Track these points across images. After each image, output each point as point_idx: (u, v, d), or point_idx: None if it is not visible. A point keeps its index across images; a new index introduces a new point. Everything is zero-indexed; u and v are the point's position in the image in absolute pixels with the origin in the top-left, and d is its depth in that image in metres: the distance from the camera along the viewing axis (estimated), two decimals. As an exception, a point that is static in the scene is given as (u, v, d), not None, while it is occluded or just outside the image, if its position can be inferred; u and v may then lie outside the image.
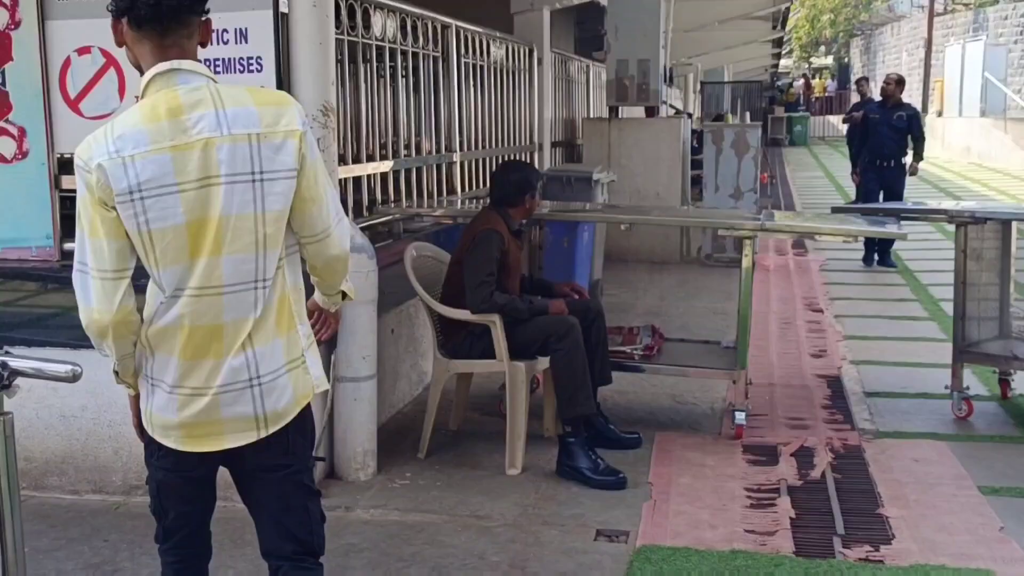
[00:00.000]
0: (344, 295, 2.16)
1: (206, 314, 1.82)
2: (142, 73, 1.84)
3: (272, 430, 1.89)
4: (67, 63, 3.55)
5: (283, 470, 1.95)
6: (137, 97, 1.88)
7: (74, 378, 1.79)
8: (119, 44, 1.87)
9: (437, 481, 3.71)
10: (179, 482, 1.96)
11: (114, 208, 1.76)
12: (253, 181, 1.79)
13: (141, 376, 1.93)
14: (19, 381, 1.76)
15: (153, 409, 1.89)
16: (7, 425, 1.78)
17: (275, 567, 2.01)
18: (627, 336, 4.50)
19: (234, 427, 1.87)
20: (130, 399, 1.99)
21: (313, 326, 2.09)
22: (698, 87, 21.07)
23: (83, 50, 3.52)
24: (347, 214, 3.71)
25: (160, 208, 1.75)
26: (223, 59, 3.39)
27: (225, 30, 3.35)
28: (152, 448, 1.94)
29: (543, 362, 3.88)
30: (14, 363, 1.75)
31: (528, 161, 7.36)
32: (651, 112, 9.37)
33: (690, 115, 12.96)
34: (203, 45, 1.89)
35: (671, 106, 12.32)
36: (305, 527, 1.99)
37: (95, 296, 1.80)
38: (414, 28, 5.37)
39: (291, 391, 1.91)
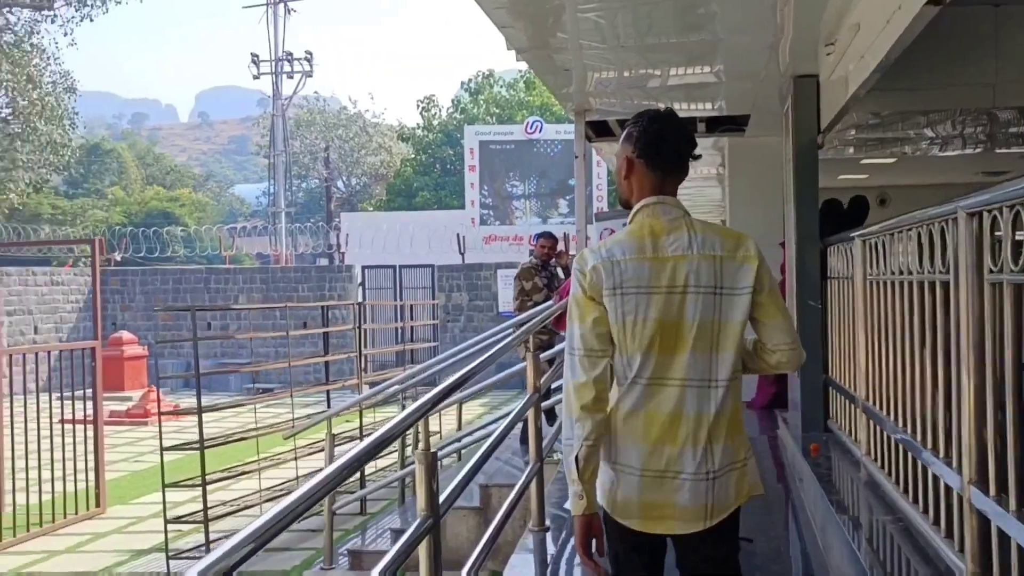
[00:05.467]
0: None
1: (666, 403, 2.15)
2: (624, 204, 2.32)
3: (715, 521, 2.15)
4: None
5: (720, 562, 2.22)
6: (624, 223, 2.33)
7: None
8: (626, 176, 2.30)
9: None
10: (635, 560, 2.24)
11: (601, 302, 2.18)
12: (715, 294, 2.16)
13: (606, 464, 2.21)
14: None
15: (619, 493, 2.18)
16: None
17: None
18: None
19: (686, 514, 2.14)
20: (578, 520, 2.19)
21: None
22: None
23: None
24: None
25: (634, 304, 2.16)
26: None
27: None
28: (611, 529, 2.23)
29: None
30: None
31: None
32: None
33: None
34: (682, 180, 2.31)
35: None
36: None
37: (577, 371, 2.18)
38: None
39: (735, 488, 2.18)
